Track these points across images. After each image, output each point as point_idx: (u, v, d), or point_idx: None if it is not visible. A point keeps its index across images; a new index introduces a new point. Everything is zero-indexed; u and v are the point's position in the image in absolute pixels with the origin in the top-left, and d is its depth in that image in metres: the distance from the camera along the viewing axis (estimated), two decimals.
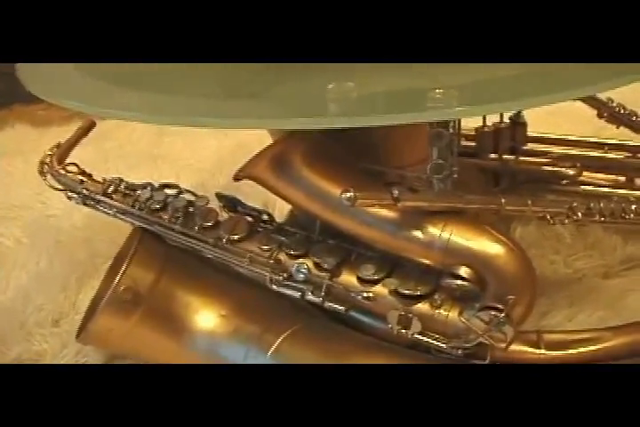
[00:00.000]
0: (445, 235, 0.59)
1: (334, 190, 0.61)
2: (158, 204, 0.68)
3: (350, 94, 0.50)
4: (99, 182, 0.72)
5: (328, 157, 0.64)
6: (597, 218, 0.63)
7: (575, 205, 0.61)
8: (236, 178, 0.65)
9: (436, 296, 0.61)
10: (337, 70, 0.55)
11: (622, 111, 0.86)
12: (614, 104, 0.86)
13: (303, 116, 0.48)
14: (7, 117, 1.42)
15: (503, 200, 0.59)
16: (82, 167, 0.74)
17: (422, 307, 0.61)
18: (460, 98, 0.47)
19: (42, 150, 0.77)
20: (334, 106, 0.50)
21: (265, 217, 0.69)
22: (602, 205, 0.62)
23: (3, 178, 1.15)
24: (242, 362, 0.62)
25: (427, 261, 0.61)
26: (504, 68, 0.53)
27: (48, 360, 0.75)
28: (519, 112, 0.86)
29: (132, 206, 0.69)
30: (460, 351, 0.59)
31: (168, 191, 0.70)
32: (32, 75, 0.64)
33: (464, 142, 0.87)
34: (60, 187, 0.74)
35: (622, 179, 0.88)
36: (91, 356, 0.74)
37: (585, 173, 0.87)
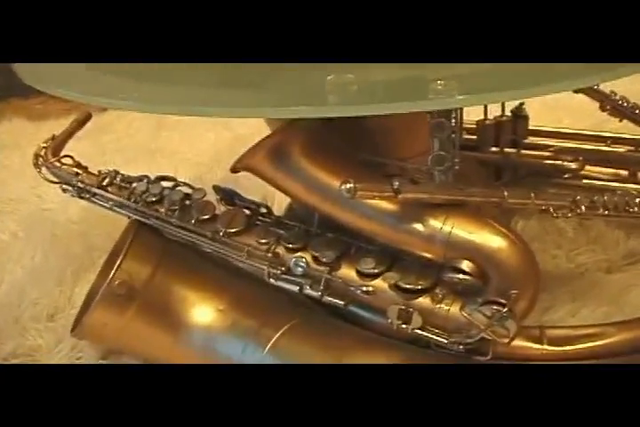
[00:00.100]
0: (447, 228, 0.59)
1: (333, 182, 0.60)
2: (154, 196, 0.68)
3: (350, 86, 0.49)
4: (94, 175, 0.71)
5: (327, 148, 0.64)
6: (601, 211, 0.62)
7: (579, 198, 0.61)
8: (234, 170, 0.64)
9: (438, 290, 0.60)
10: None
11: (625, 104, 0.85)
12: (617, 97, 0.85)
13: (302, 104, 0.47)
14: (4, 111, 1.42)
15: (506, 193, 0.59)
16: (77, 160, 0.73)
17: (423, 301, 0.60)
18: (461, 87, 0.47)
19: (38, 144, 0.76)
20: (334, 95, 0.49)
21: (263, 210, 0.68)
22: (605, 198, 0.62)
23: None
24: (239, 357, 0.62)
25: (428, 255, 0.60)
26: None
27: (43, 355, 0.75)
28: (521, 105, 0.86)
29: (128, 199, 0.68)
30: (461, 347, 0.59)
31: (164, 184, 0.69)
32: (29, 66, 0.63)
33: (465, 136, 0.86)
34: (54, 180, 0.73)
35: (625, 173, 0.87)
36: (86, 351, 0.74)
37: (587, 167, 0.86)
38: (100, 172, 0.71)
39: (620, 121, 0.87)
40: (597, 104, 0.87)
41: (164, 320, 0.64)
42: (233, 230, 0.65)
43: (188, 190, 0.69)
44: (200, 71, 0.56)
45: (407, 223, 0.60)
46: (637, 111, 0.85)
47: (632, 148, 0.87)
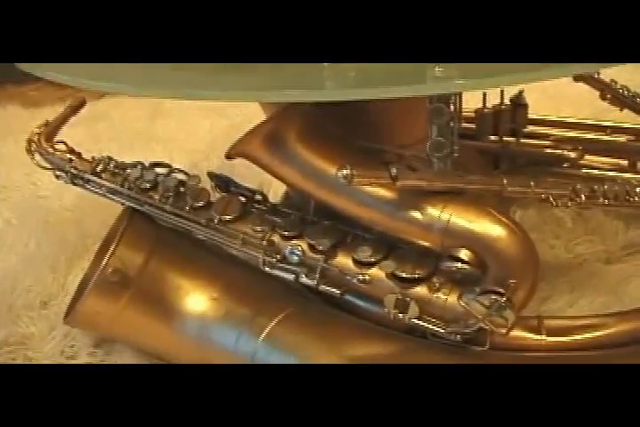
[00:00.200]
0: (445, 216, 0.58)
1: (330, 169, 0.60)
2: (148, 183, 0.67)
3: (348, 72, 0.48)
4: (87, 161, 0.71)
5: (324, 135, 0.63)
6: (601, 201, 0.62)
7: (579, 187, 0.60)
8: (228, 156, 0.63)
9: (435, 279, 0.59)
10: None
11: (626, 93, 0.85)
12: (618, 86, 0.85)
13: (298, 88, 0.46)
14: None
15: (505, 181, 0.58)
16: (70, 146, 0.72)
17: (420, 290, 0.59)
18: (460, 72, 0.46)
19: (32, 130, 0.75)
20: (331, 80, 0.49)
21: (258, 197, 0.68)
22: (606, 187, 0.61)
23: None
24: (233, 346, 0.61)
25: (425, 244, 0.60)
26: None
27: (36, 343, 0.74)
28: (520, 93, 0.85)
29: (122, 186, 0.68)
30: (458, 337, 0.58)
31: (159, 170, 0.69)
32: None
33: (463, 124, 0.85)
34: (47, 166, 0.72)
35: (624, 162, 0.86)
36: (79, 339, 0.73)
37: (586, 157, 0.86)
38: (93, 158, 0.71)
39: (621, 110, 0.87)
40: (597, 93, 0.87)
41: (158, 308, 0.64)
42: (228, 218, 0.64)
43: (183, 177, 0.68)
44: None
45: (405, 211, 0.59)
46: (638, 100, 0.85)
47: (632, 137, 0.86)
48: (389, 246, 0.61)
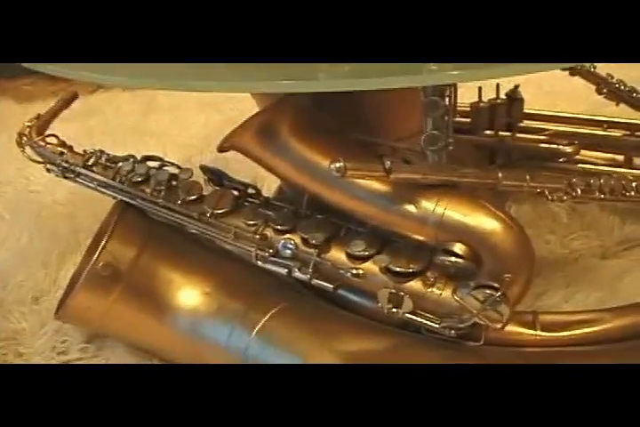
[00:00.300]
0: (440, 209, 0.58)
1: (323, 161, 0.59)
2: (140, 176, 0.67)
3: (342, 66, 0.47)
4: (79, 154, 0.71)
5: (317, 127, 0.62)
6: (597, 195, 0.62)
7: (574, 181, 0.60)
8: (221, 149, 0.63)
9: (429, 274, 0.59)
10: None
11: (622, 87, 0.85)
12: (614, 80, 0.84)
13: (292, 79, 0.46)
14: None
15: (500, 174, 0.58)
16: (62, 139, 0.72)
17: (414, 285, 0.59)
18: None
19: (23, 123, 0.75)
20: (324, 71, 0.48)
21: (251, 191, 0.67)
22: (602, 181, 0.61)
23: None
24: (226, 341, 0.61)
25: (420, 237, 0.59)
26: None
27: (27, 338, 0.74)
28: (516, 88, 0.85)
29: (113, 179, 0.68)
30: (452, 332, 0.58)
31: (150, 164, 0.69)
32: None
33: (458, 119, 0.84)
34: (39, 159, 0.71)
35: (620, 158, 0.86)
36: (70, 334, 0.73)
37: (582, 152, 0.85)
38: (85, 151, 0.70)
39: (617, 105, 0.86)
40: (593, 88, 0.86)
41: (150, 303, 0.63)
42: (220, 211, 0.64)
43: (175, 170, 0.68)
44: None
45: (399, 204, 0.58)
46: (635, 95, 0.85)
47: (628, 132, 0.86)
48: (383, 240, 0.61)
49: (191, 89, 0.51)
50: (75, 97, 0.78)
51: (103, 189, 0.68)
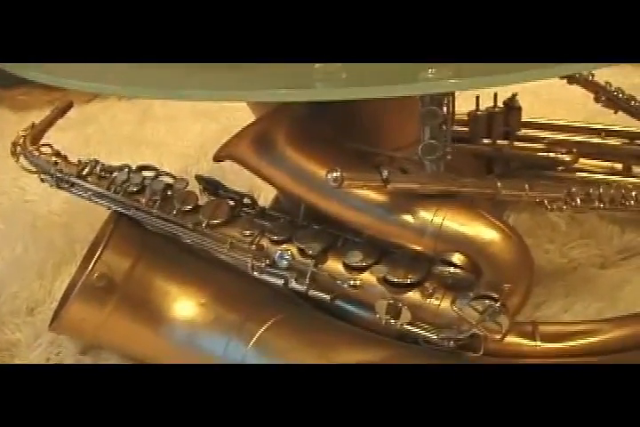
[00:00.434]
0: (438, 219, 0.57)
1: (320, 171, 0.59)
2: (135, 186, 0.66)
3: (338, 74, 0.47)
4: (73, 164, 0.70)
5: (314, 137, 0.62)
6: (597, 204, 0.62)
7: (574, 190, 0.60)
8: (217, 158, 0.63)
9: (428, 284, 0.59)
10: None
11: (620, 95, 0.84)
12: (612, 88, 0.84)
13: (288, 87, 0.46)
14: None
15: (499, 184, 0.58)
16: (57, 149, 0.72)
17: (412, 296, 0.59)
18: (452, 71, 0.45)
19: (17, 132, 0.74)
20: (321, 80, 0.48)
21: (247, 201, 0.67)
22: (601, 191, 0.61)
23: None
24: (222, 352, 0.60)
25: (418, 248, 0.59)
26: None
27: (21, 350, 0.73)
28: (513, 96, 0.85)
29: (108, 189, 0.67)
30: (451, 343, 0.57)
31: (146, 174, 0.68)
32: None
33: (456, 127, 0.84)
34: (32, 169, 0.71)
35: (619, 166, 0.86)
36: (65, 346, 0.72)
37: (581, 160, 0.85)
38: (79, 161, 0.70)
39: (615, 113, 0.86)
40: (591, 96, 0.87)
41: (145, 315, 0.63)
42: (216, 222, 0.64)
43: (170, 180, 0.67)
44: None
45: (396, 215, 0.58)
46: (633, 103, 0.84)
47: (626, 140, 0.86)
48: (381, 251, 0.61)
49: (187, 98, 0.51)
50: (70, 106, 0.77)
51: (97, 200, 0.67)
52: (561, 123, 0.89)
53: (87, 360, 0.71)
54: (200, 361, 0.61)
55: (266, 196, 0.82)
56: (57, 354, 0.72)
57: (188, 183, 0.66)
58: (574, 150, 0.84)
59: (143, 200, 0.65)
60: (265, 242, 0.63)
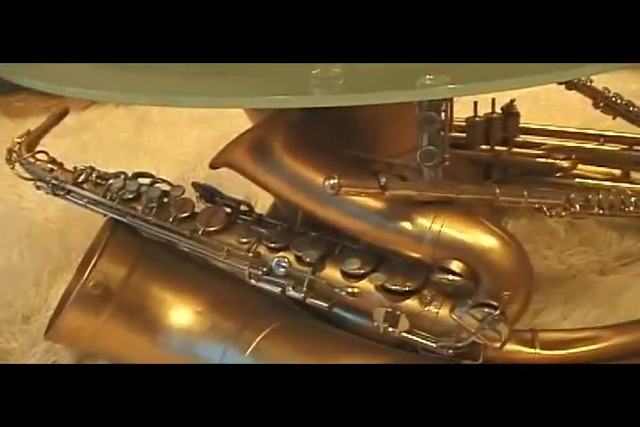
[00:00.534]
0: (436, 227, 0.57)
1: (317, 178, 0.59)
2: (131, 193, 0.66)
3: (336, 79, 0.47)
4: (69, 171, 0.70)
5: (311, 144, 0.62)
6: (595, 210, 0.61)
7: (573, 196, 0.60)
8: (213, 166, 0.63)
9: (426, 292, 0.58)
10: None
11: (619, 101, 0.84)
12: (611, 94, 0.84)
13: (284, 93, 0.45)
14: None
15: (498, 190, 0.58)
16: (52, 156, 0.72)
17: (411, 303, 0.58)
18: (450, 77, 0.45)
19: (13, 139, 0.75)
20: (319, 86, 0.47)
21: (244, 208, 0.67)
22: (600, 197, 0.61)
23: None
24: (219, 361, 0.60)
25: (416, 255, 0.59)
26: None
27: (17, 359, 0.73)
28: (511, 102, 0.85)
29: (104, 196, 0.67)
30: (450, 351, 0.57)
31: (142, 181, 0.68)
32: None
33: (454, 134, 0.84)
34: (28, 176, 0.71)
35: (618, 172, 0.86)
36: (61, 354, 0.72)
37: (579, 166, 0.85)
38: (75, 168, 0.70)
39: (614, 118, 0.86)
40: (589, 102, 0.87)
41: (141, 323, 0.63)
42: (212, 229, 0.63)
43: (167, 187, 0.67)
44: None
45: (394, 222, 0.58)
46: (631, 109, 0.84)
47: (625, 146, 0.86)
48: (379, 258, 0.60)
49: (184, 105, 0.50)
50: (66, 113, 0.77)
51: (93, 207, 0.67)
52: (559, 129, 0.88)
53: None
54: None
55: (263, 203, 0.82)
56: (53, 362, 0.71)
57: (184, 190, 0.66)
58: (573, 156, 0.84)
59: (139, 207, 0.65)
60: (262, 249, 0.62)
